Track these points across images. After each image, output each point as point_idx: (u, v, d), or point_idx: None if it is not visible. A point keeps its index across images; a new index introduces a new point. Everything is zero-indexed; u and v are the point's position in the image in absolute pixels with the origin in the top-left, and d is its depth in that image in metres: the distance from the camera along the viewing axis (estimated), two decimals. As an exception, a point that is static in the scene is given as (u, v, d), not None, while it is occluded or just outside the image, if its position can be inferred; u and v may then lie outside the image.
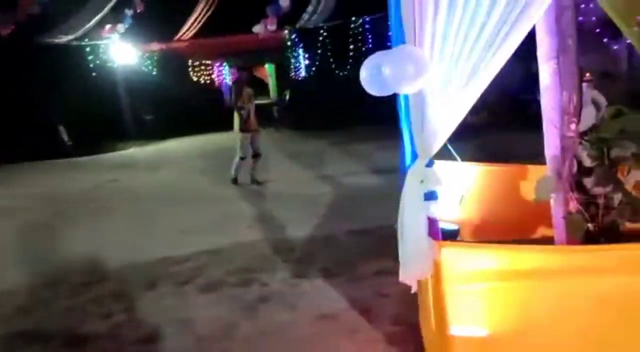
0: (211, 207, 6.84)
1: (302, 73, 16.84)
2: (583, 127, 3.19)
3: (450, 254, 2.24)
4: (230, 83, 19.78)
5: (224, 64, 20.03)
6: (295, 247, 5.01)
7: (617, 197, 3.18)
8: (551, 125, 3.25)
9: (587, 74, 3.20)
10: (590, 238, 3.30)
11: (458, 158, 4.21)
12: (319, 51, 15.63)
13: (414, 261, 2.28)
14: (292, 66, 17.22)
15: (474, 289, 2.25)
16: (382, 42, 14.68)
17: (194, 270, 4.63)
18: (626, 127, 3.24)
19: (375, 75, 2.16)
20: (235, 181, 8.04)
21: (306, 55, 16.28)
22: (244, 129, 7.74)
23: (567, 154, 3.23)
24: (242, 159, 7.90)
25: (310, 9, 12.46)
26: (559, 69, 2.93)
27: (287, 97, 16.65)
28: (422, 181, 2.27)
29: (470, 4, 2.15)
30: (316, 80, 15.80)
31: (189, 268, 4.69)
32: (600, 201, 3.26)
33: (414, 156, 2.29)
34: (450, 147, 4.11)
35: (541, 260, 2.26)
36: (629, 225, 3.28)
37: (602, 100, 3.16)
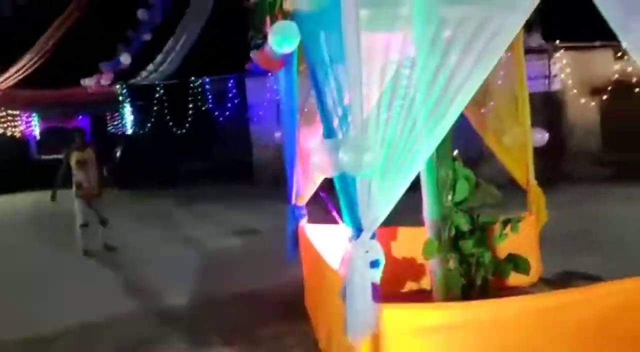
0: (70, 282, 6.34)
1: (132, 129, 16.41)
2: (458, 198, 3.86)
3: (391, 314, 2.61)
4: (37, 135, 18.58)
5: (33, 115, 18.54)
6: (182, 315, 4.95)
7: (487, 256, 3.88)
8: (430, 196, 3.88)
9: (456, 153, 3.90)
10: (464, 291, 3.95)
11: (340, 221, 4.67)
12: (156, 108, 15.44)
13: (360, 322, 2.59)
14: (122, 122, 16.69)
15: (413, 344, 2.64)
16: (223, 101, 15.11)
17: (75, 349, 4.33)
18: (486, 199, 4.00)
19: (334, 160, 2.50)
20: (86, 252, 7.42)
21: (140, 112, 15.94)
22: (78, 195, 7.35)
23: (446, 220, 3.87)
24: (83, 226, 7.39)
25: (151, 67, 12.40)
26: (436, 152, 3.51)
27: (118, 154, 16.02)
28: (367, 251, 2.62)
29: (408, 98, 2.63)
30: (152, 138, 15.50)
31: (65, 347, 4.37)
32: (473, 259, 3.94)
33: (359, 230, 2.64)
34: (335, 214, 4.58)
35: (469, 314, 2.72)
36: (492, 279, 4.01)
37: (473, 176, 3.88)
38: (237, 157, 14.40)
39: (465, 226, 3.79)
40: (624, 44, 2.94)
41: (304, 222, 4.78)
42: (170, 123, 15.36)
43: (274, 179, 13.46)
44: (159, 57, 11.77)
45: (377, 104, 2.64)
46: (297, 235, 4.78)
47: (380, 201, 2.59)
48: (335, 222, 4.61)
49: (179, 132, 15.24)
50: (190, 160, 15.21)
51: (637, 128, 10.50)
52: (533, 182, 5.10)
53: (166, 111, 15.38)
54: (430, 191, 3.83)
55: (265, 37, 4.21)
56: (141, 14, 9.82)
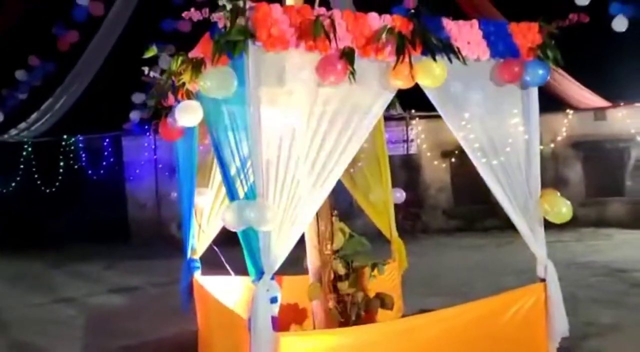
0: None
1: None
2: (335, 247, 4.63)
3: (288, 341, 3.23)
4: None
5: None
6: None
7: (360, 295, 4.66)
8: (312, 246, 4.61)
9: (335, 211, 4.69)
10: (341, 327, 4.66)
11: (232, 272, 5.22)
12: (22, 166, 14.83)
13: (264, 350, 3.17)
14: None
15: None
16: (97, 160, 14.91)
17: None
18: (358, 247, 4.82)
19: (242, 217, 3.13)
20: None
21: (5, 170, 15.18)
22: None
23: (325, 266, 4.61)
24: None
25: (24, 125, 12.11)
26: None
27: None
28: (267, 290, 3.24)
29: (295, 166, 3.36)
30: (18, 197, 14.80)
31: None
32: (348, 298, 4.69)
33: (261, 273, 3.26)
34: (227, 266, 5.13)
35: (352, 337, 3.42)
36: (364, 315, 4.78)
37: (347, 229, 4.68)
38: (112, 215, 14.21)
39: (342, 270, 4.55)
40: (465, 115, 3.95)
41: (198, 274, 5.24)
42: (39, 181, 14.83)
43: (151, 237, 13.51)
44: (34, 116, 11.57)
45: (275, 169, 3.34)
46: (192, 287, 5.21)
47: (278, 248, 3.25)
48: (227, 273, 5.16)
49: (48, 190, 14.73)
50: (62, 220, 14.68)
51: (481, 184, 12.28)
52: (395, 234, 5.98)
53: (34, 169, 14.85)
54: (312, 241, 4.57)
55: (166, 110, 4.80)
56: (20, 74, 9.76)
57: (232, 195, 3.53)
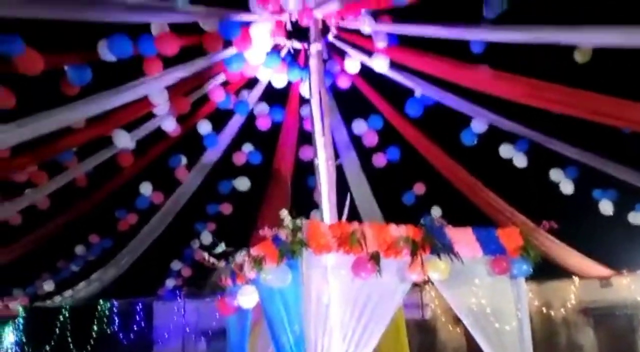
0: None
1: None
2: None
3: None
4: None
5: None
6: None
7: None
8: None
9: None
10: None
11: None
12: (58, 331, 15.55)
13: None
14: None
15: None
16: (128, 323, 15.59)
17: None
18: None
19: None
20: None
21: (39, 334, 15.89)
22: None
23: None
24: None
25: (69, 293, 13.12)
26: None
27: None
28: None
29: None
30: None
31: None
32: None
33: None
34: None
35: None
36: None
37: None
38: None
39: None
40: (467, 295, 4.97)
41: None
42: (72, 346, 15.42)
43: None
44: (82, 284, 12.64)
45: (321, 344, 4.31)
46: None
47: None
48: None
49: (78, 355, 15.27)
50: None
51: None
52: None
53: (68, 333, 15.53)
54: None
55: (222, 289, 5.90)
56: (80, 250, 11.04)
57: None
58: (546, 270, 5.04)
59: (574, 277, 14.09)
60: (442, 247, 4.63)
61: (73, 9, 4.78)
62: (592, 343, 13.84)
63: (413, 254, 4.54)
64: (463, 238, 4.87)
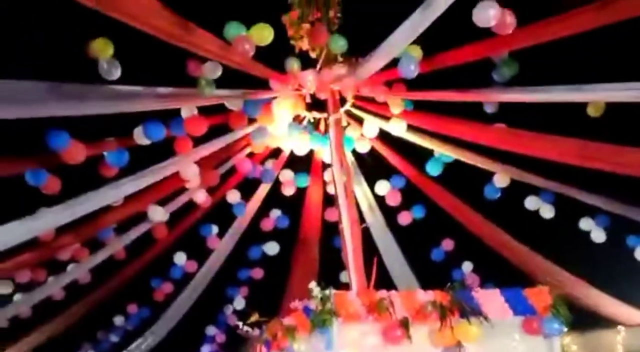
0: None
1: None
2: None
3: None
4: None
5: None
6: None
7: None
8: None
9: None
10: None
11: None
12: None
13: None
14: None
15: None
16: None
17: None
18: None
19: None
20: None
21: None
22: None
23: None
24: None
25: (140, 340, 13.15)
26: None
27: None
28: None
29: None
30: None
31: None
32: None
33: None
34: None
35: None
36: None
37: None
38: None
39: None
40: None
41: None
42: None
43: None
44: (119, 355, 12.77)
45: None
46: None
47: None
48: None
49: None
50: None
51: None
52: None
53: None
54: None
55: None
56: (118, 320, 11.24)
57: None
58: (589, 321, 5.03)
59: (619, 326, 13.64)
60: (471, 311, 4.69)
61: (108, 103, 5.19)
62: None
63: (442, 318, 4.61)
64: (491, 300, 4.93)
